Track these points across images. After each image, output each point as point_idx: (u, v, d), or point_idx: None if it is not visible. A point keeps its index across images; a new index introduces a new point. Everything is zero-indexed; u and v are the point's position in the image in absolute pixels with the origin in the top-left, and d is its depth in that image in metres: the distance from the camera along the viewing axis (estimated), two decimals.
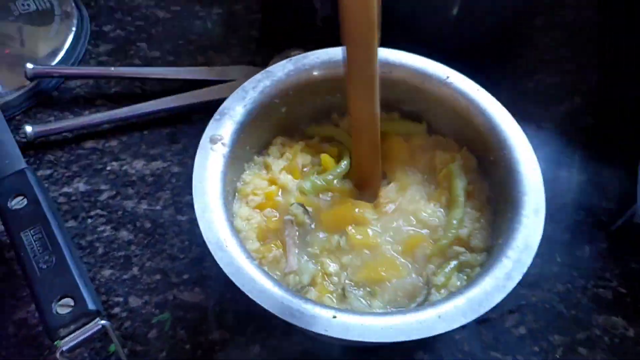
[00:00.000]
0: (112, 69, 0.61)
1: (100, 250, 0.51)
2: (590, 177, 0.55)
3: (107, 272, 0.49)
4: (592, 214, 0.53)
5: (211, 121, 0.44)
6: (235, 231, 0.40)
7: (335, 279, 0.41)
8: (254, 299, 0.35)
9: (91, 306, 0.39)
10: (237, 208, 0.44)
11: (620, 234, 0.52)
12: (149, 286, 0.49)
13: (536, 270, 0.50)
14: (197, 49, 0.66)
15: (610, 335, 0.47)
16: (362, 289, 0.41)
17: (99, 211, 0.53)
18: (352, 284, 0.41)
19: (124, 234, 0.52)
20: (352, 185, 0.46)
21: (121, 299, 0.48)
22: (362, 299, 0.40)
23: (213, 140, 0.43)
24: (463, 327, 0.47)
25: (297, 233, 0.43)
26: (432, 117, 0.48)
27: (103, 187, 0.55)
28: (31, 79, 0.59)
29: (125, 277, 0.49)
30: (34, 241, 0.42)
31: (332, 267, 0.41)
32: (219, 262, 0.37)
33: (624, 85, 0.62)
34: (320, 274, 0.41)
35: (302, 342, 0.46)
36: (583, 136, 0.58)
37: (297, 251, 0.42)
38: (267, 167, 0.47)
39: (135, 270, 0.50)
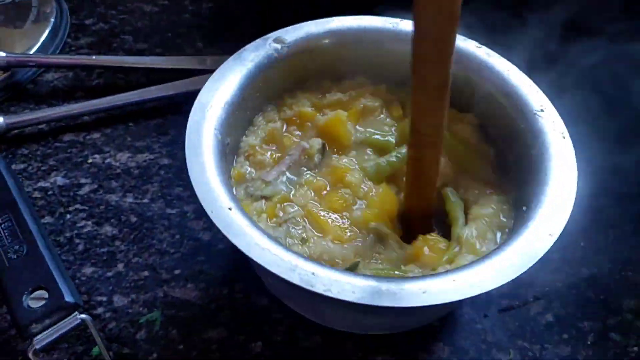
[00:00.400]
0: (94, 57, 0.56)
1: (81, 247, 0.46)
2: (609, 159, 0.52)
3: (88, 270, 0.44)
4: (614, 197, 0.50)
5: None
6: (237, 199, 0.36)
7: (290, 209, 0.38)
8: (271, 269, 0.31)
9: (68, 298, 0.34)
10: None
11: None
12: (136, 283, 0.44)
13: (559, 255, 0.46)
14: (187, 42, 0.63)
15: None
16: (300, 230, 0.37)
17: (78, 206, 0.48)
18: (295, 220, 0.38)
19: (107, 229, 0.47)
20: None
21: (104, 298, 0.43)
22: (292, 237, 0.37)
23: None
24: (485, 315, 0.43)
25: (300, 159, 0.40)
26: None
27: (83, 180, 0.50)
28: (4, 69, 0.54)
29: (109, 274, 0.44)
30: (2, 230, 0.37)
31: (296, 202, 0.39)
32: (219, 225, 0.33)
33: None
34: (280, 197, 0.39)
35: (308, 337, 0.41)
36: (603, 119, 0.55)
37: (284, 170, 0.40)
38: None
39: (120, 266, 0.45)
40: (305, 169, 0.41)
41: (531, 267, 0.32)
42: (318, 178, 0.41)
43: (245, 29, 0.64)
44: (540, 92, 0.40)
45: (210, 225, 0.47)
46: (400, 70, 0.44)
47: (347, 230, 0.38)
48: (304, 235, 0.37)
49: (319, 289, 0.30)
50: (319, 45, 0.45)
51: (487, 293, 0.31)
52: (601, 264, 0.46)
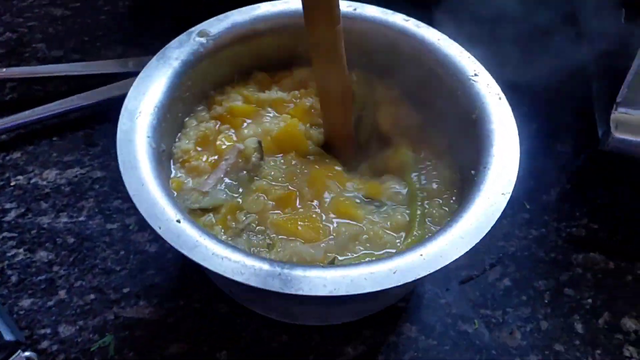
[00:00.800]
0: (4, 70, 0.51)
1: (15, 278, 0.42)
2: (543, 122, 0.54)
3: (26, 302, 0.40)
4: (551, 158, 0.51)
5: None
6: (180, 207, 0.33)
7: (243, 217, 0.36)
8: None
9: (8, 336, 0.31)
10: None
11: (581, 174, 0.50)
12: (82, 309, 0.40)
13: (508, 221, 0.47)
14: (106, 45, 0.58)
15: (593, 272, 0.45)
16: (263, 236, 0.36)
17: (6, 234, 0.44)
18: (255, 227, 0.36)
19: (42, 255, 0.43)
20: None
21: (49, 330, 0.39)
22: (256, 246, 0.35)
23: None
24: (447, 289, 0.43)
25: (237, 162, 0.38)
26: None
27: (8, 205, 0.46)
28: None
29: (50, 303, 0.40)
30: None
31: (247, 209, 0.37)
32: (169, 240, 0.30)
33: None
34: (229, 205, 0.37)
35: (274, 337, 0.39)
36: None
37: (222, 177, 0.38)
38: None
39: (62, 293, 0.41)
40: (244, 172, 0.39)
41: (487, 233, 0.32)
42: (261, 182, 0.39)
43: (167, 25, 0.60)
44: (472, 57, 0.41)
45: (157, 236, 0.43)
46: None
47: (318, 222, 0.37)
48: (268, 240, 0.36)
49: (290, 289, 0.28)
50: (247, 35, 0.43)
51: (446, 267, 0.31)
52: (547, 224, 0.47)
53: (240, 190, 0.38)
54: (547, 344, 0.41)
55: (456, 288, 0.43)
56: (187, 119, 0.41)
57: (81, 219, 0.45)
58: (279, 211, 0.37)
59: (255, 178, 0.38)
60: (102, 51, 0.58)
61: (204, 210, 0.37)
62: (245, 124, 0.42)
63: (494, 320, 0.42)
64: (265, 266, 0.29)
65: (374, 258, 0.35)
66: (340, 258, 0.35)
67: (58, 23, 0.60)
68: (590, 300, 0.43)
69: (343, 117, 0.41)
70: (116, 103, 0.50)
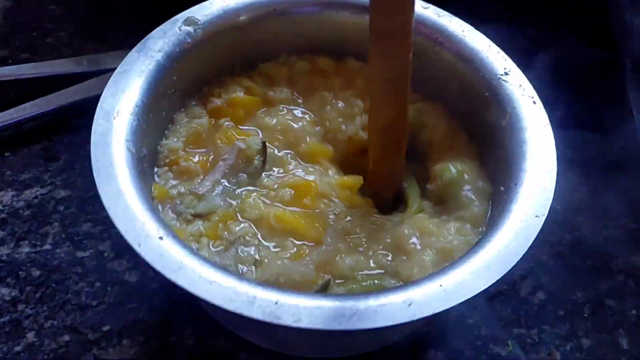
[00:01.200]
0: None
1: None
2: (575, 115, 0.56)
3: None
4: (581, 147, 0.53)
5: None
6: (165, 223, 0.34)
7: (236, 228, 0.37)
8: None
9: None
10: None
11: (616, 165, 0.52)
12: (56, 353, 0.41)
13: None
14: (60, 40, 0.59)
15: (636, 278, 0.47)
16: (252, 250, 0.37)
17: None
18: (245, 240, 0.37)
19: (3, 292, 0.43)
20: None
21: None
22: (243, 262, 0.36)
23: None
24: (474, 307, 0.45)
25: (237, 163, 0.39)
26: None
27: None
28: None
29: (17, 348, 0.41)
30: None
31: (242, 221, 0.38)
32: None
33: None
34: (223, 213, 0.38)
35: None
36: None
37: (220, 179, 0.39)
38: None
39: (30, 336, 0.42)
40: (243, 175, 0.40)
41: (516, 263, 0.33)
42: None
43: (135, 14, 0.60)
44: (502, 52, 0.42)
45: (137, 263, 0.45)
46: (339, 40, 0.45)
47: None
48: (256, 256, 0.37)
49: (287, 320, 0.29)
50: (239, 22, 0.44)
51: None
52: (581, 226, 0.49)
53: (238, 192, 0.39)
54: None
55: (484, 305, 0.45)
56: (176, 114, 0.42)
57: (46, 247, 0.46)
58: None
59: (251, 188, 0.40)
60: (57, 48, 0.58)
61: (195, 216, 0.38)
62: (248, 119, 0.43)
63: (529, 340, 0.43)
64: (260, 293, 0.30)
65: (376, 281, 0.36)
66: (336, 281, 0.36)
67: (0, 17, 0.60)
68: (635, 312, 0.45)
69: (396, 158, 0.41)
70: (79, 109, 0.52)
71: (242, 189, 0.40)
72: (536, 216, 0.34)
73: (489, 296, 0.45)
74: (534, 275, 0.46)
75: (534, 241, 0.47)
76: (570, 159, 0.52)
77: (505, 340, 0.43)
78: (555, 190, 0.50)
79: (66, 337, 0.42)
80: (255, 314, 0.29)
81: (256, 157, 0.40)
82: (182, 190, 0.39)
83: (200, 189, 0.39)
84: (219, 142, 0.41)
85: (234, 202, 0.39)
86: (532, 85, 0.41)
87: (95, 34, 0.59)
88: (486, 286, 0.31)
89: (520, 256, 0.33)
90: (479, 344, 0.43)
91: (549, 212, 0.49)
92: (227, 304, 0.30)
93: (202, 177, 0.40)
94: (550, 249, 0.48)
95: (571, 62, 0.59)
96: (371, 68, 0.37)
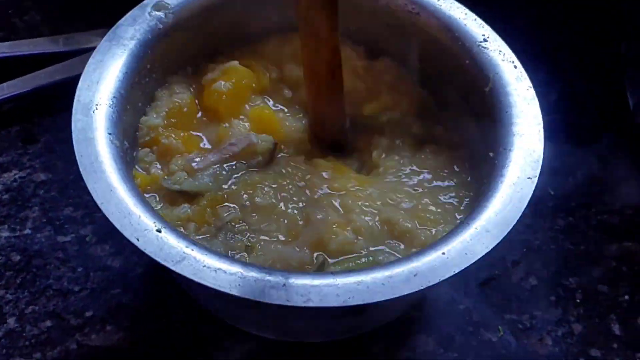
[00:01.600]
0: None
1: None
2: (564, 92, 0.56)
3: None
4: (575, 134, 0.54)
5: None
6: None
7: (225, 213, 0.38)
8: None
9: None
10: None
11: (608, 153, 0.53)
12: (38, 339, 0.41)
13: (530, 210, 0.49)
14: (38, 19, 0.58)
15: (629, 264, 0.48)
16: (241, 237, 0.37)
17: None
18: (235, 228, 0.38)
19: None
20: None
21: None
22: (234, 248, 0.37)
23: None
24: (465, 292, 0.46)
25: (242, 154, 0.40)
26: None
27: None
28: None
29: None
30: None
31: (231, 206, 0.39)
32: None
33: None
34: (212, 196, 0.38)
35: (272, 348, 0.41)
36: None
37: (218, 161, 0.40)
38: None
39: (11, 322, 0.42)
40: (244, 163, 0.40)
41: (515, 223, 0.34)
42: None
43: None
44: (479, 20, 0.43)
45: (120, 248, 0.45)
46: None
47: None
48: (247, 243, 0.37)
49: (298, 301, 0.30)
50: (213, 4, 0.44)
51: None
52: (575, 211, 0.50)
53: (231, 178, 0.40)
54: (581, 349, 0.43)
55: (475, 291, 0.45)
56: (158, 90, 0.43)
57: (26, 232, 0.46)
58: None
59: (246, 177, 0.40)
60: (35, 27, 0.58)
61: (182, 195, 0.38)
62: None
63: (521, 325, 0.44)
64: (267, 276, 0.31)
65: (370, 257, 0.37)
66: (330, 261, 0.37)
67: None
68: (627, 297, 0.46)
69: (335, 102, 0.42)
70: (58, 89, 0.52)
71: (236, 175, 0.40)
72: (528, 178, 0.36)
73: (481, 281, 0.46)
74: (526, 260, 0.47)
75: (525, 225, 0.49)
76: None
77: (496, 326, 0.44)
78: (548, 174, 0.52)
79: (48, 323, 0.42)
80: (267, 298, 0.30)
81: (261, 157, 0.41)
82: (179, 164, 0.40)
83: (194, 164, 0.40)
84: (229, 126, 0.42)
85: (225, 187, 0.40)
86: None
87: (74, 12, 0.59)
88: (488, 249, 0.33)
89: (517, 218, 0.34)
90: (470, 329, 0.44)
91: (543, 197, 0.50)
92: (235, 290, 0.30)
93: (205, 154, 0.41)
94: (543, 234, 0.49)
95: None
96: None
